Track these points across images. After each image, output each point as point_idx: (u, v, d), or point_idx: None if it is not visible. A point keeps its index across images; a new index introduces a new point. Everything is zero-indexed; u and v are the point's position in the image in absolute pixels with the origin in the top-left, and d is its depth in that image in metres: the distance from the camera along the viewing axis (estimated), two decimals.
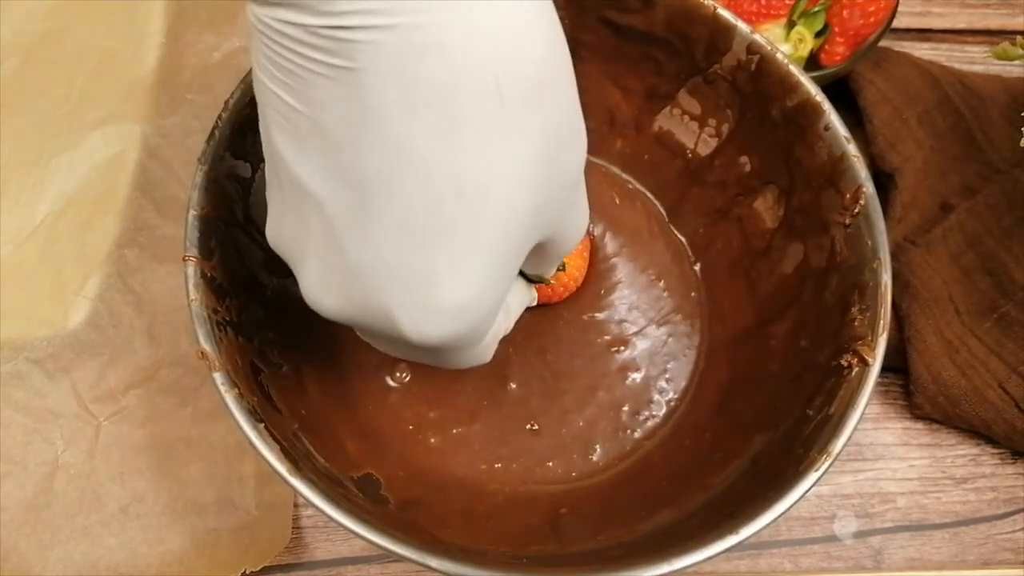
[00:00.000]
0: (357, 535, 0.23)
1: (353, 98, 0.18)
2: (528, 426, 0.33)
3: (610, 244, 0.37)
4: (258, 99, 0.21)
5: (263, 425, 0.24)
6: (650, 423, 0.34)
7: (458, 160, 0.19)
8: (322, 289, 0.21)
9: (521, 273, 0.28)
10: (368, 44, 0.18)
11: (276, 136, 0.20)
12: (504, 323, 0.27)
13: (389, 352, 0.25)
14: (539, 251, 0.24)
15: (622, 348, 0.35)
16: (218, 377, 0.25)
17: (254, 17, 0.19)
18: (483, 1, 0.18)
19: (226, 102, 0.29)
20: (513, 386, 0.34)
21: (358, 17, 0.17)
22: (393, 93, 0.18)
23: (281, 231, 0.22)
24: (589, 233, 0.36)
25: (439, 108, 0.18)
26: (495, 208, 0.20)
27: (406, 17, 0.18)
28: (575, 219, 0.24)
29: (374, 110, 0.18)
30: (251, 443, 0.24)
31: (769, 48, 0.31)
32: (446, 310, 0.20)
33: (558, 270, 0.32)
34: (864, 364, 0.27)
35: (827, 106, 0.31)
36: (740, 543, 0.24)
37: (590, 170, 0.37)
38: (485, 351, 0.25)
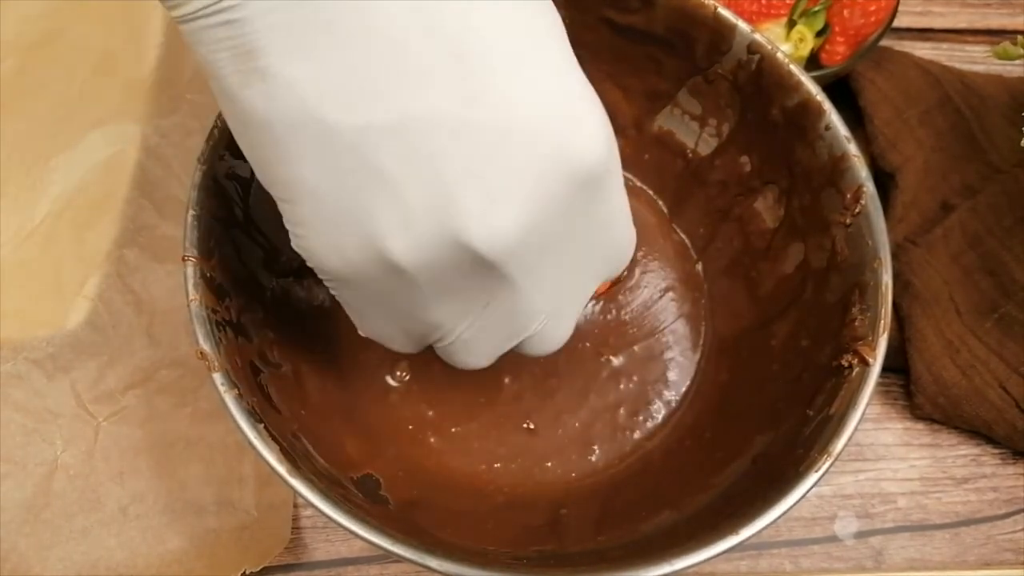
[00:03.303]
0: (357, 535, 0.23)
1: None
2: (525, 425, 0.33)
3: None
4: (287, 115, 0.18)
5: (262, 425, 0.24)
6: (649, 424, 0.34)
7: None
8: (493, 208, 0.19)
9: None
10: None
11: (347, 111, 0.18)
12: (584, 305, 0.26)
13: (468, 322, 0.23)
14: None
15: (611, 356, 0.35)
16: (217, 377, 0.25)
17: (188, 39, 0.18)
18: None
19: None
20: (507, 380, 0.34)
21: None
22: None
23: (414, 215, 0.19)
24: None
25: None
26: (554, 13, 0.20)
27: None
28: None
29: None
30: (250, 443, 0.24)
31: (770, 48, 0.31)
32: (593, 110, 0.20)
33: None
34: (865, 364, 0.27)
35: (828, 106, 0.30)
36: (740, 543, 0.24)
37: None
38: (567, 329, 0.25)
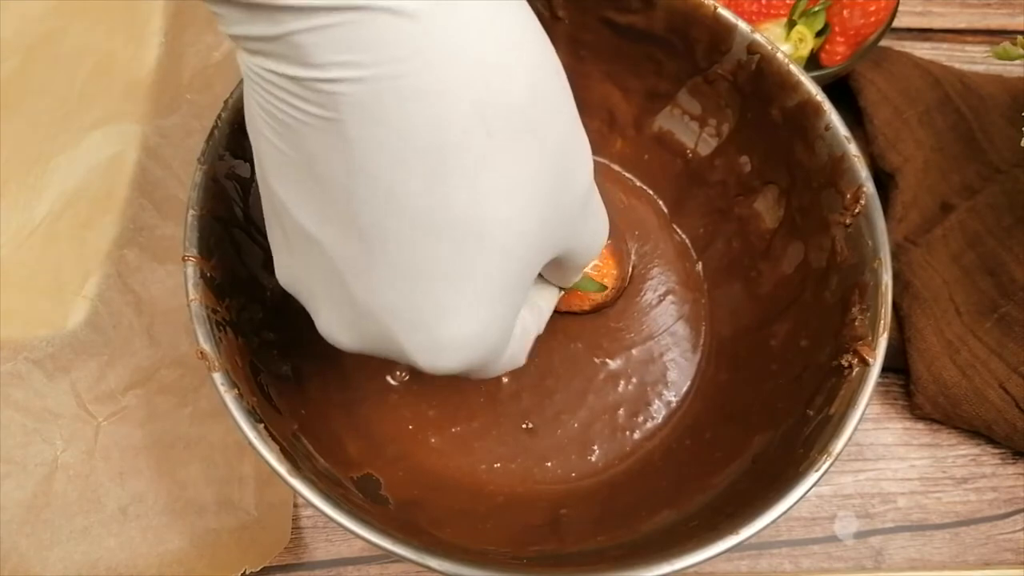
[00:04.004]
0: (357, 535, 0.23)
1: (341, 150, 0.18)
2: (524, 425, 0.33)
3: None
4: (252, 142, 0.21)
5: (263, 425, 0.24)
6: (649, 424, 0.34)
7: (450, 205, 0.19)
8: (335, 328, 0.22)
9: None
10: (350, 96, 0.18)
11: (274, 181, 0.20)
12: (535, 325, 0.27)
13: None
14: (557, 264, 0.24)
15: (607, 359, 0.35)
16: (218, 377, 0.25)
17: (244, 65, 0.19)
18: (456, 37, 0.18)
19: (226, 101, 0.29)
20: (505, 380, 0.34)
21: (339, 69, 0.17)
22: (378, 144, 0.18)
23: (290, 271, 0.22)
24: (624, 250, 0.36)
25: (425, 155, 0.18)
26: (492, 245, 0.20)
27: (385, 67, 0.17)
28: (590, 229, 0.24)
29: (362, 162, 0.18)
30: (251, 443, 0.24)
31: (769, 48, 0.31)
32: (455, 344, 0.21)
33: (596, 289, 0.33)
34: (865, 364, 0.27)
35: (828, 106, 0.30)
36: (740, 543, 0.24)
37: (596, 168, 0.38)
38: (514, 359, 0.25)
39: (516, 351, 0.25)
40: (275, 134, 0.19)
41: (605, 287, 0.33)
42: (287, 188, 0.20)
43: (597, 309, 0.35)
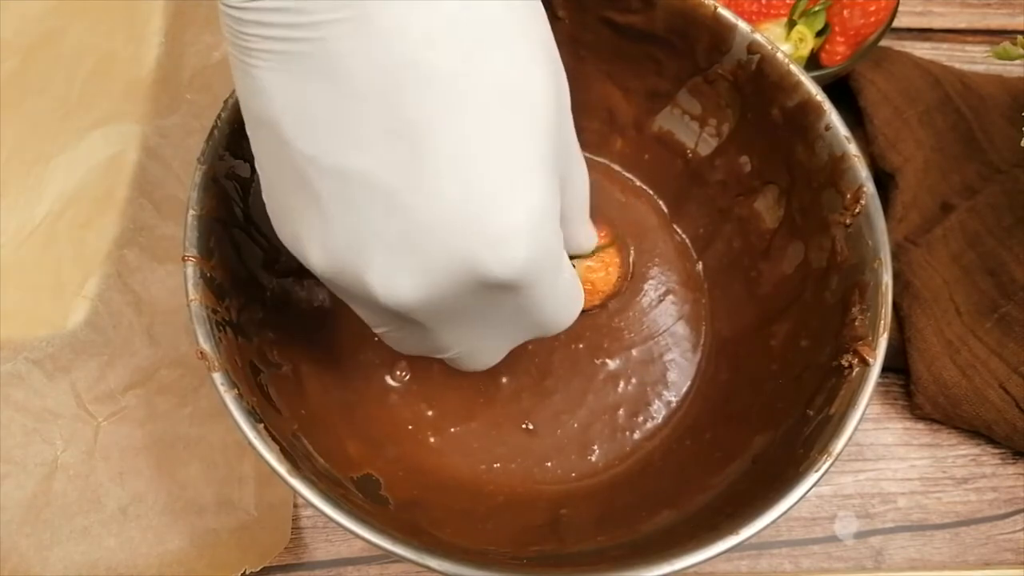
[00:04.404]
0: (357, 535, 0.23)
1: (377, 44, 0.18)
2: (523, 425, 0.33)
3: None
4: (253, 122, 0.20)
5: (262, 425, 0.24)
6: (649, 424, 0.34)
7: (495, 68, 0.19)
8: (397, 274, 0.20)
9: None
10: None
11: (296, 138, 0.19)
12: (576, 285, 0.26)
13: (478, 336, 0.24)
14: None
15: (606, 359, 0.35)
16: (217, 377, 0.25)
17: (234, 10, 0.18)
18: None
19: (225, 101, 0.29)
20: (504, 380, 0.34)
21: None
22: (413, 23, 0.18)
23: (332, 243, 0.20)
24: (625, 243, 0.36)
25: (461, 25, 0.18)
26: (534, 105, 0.20)
27: None
28: (577, 160, 0.24)
29: (400, 48, 0.18)
30: (250, 443, 0.24)
31: (770, 48, 0.31)
32: (521, 225, 0.19)
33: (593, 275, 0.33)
34: (865, 364, 0.27)
35: (828, 106, 0.30)
36: (740, 543, 0.24)
37: (593, 167, 0.38)
38: (571, 289, 0.24)
39: (572, 282, 0.24)
40: (287, 76, 0.18)
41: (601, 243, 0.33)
42: (313, 134, 0.19)
43: (604, 303, 0.35)
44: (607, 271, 0.33)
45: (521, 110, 0.20)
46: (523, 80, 0.20)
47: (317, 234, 0.20)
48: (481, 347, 0.25)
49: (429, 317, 0.22)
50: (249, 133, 0.22)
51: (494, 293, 0.21)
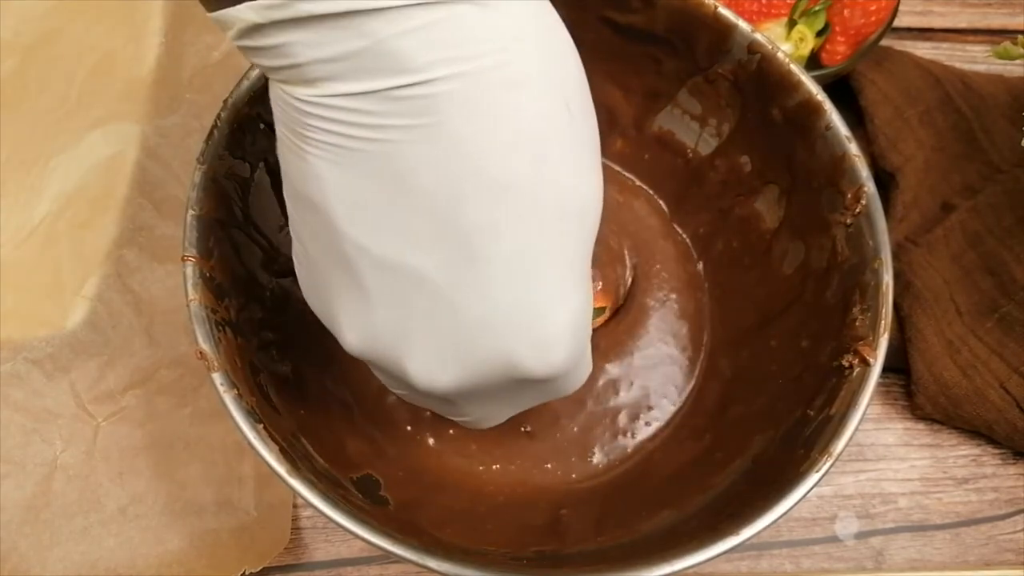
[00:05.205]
0: (356, 536, 0.23)
1: (447, 152, 0.18)
2: (522, 428, 0.33)
3: (617, 244, 0.37)
4: (298, 202, 0.20)
5: (262, 426, 0.24)
6: (650, 425, 0.34)
7: (556, 179, 0.19)
8: (437, 365, 0.21)
9: None
10: (455, 92, 0.17)
11: (347, 226, 0.19)
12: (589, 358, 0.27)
13: (495, 409, 0.25)
14: None
15: (605, 364, 0.35)
16: (217, 377, 0.24)
17: (297, 101, 0.18)
18: (536, 26, 0.19)
19: (225, 101, 0.29)
20: None
21: (442, 67, 0.17)
22: (487, 135, 0.18)
23: (372, 330, 0.21)
24: (613, 276, 0.36)
25: (531, 138, 0.19)
26: (585, 214, 0.20)
27: (486, 59, 0.17)
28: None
29: (471, 157, 0.18)
30: (250, 444, 0.24)
31: (770, 47, 0.31)
32: (565, 331, 0.20)
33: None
34: (865, 364, 0.27)
35: (828, 105, 0.30)
36: (741, 544, 0.24)
37: None
38: (588, 361, 0.25)
39: (589, 359, 0.25)
40: (347, 169, 0.18)
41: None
42: (367, 226, 0.19)
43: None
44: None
45: (576, 220, 0.20)
46: (579, 191, 0.20)
47: (357, 319, 0.21)
48: (496, 415, 0.26)
49: (458, 399, 0.22)
50: (289, 206, 0.22)
51: (526, 384, 0.22)
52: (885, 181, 0.40)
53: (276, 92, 0.19)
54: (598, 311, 0.34)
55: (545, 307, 0.20)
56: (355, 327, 0.21)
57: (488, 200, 0.19)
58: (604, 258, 0.36)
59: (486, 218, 0.19)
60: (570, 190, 0.20)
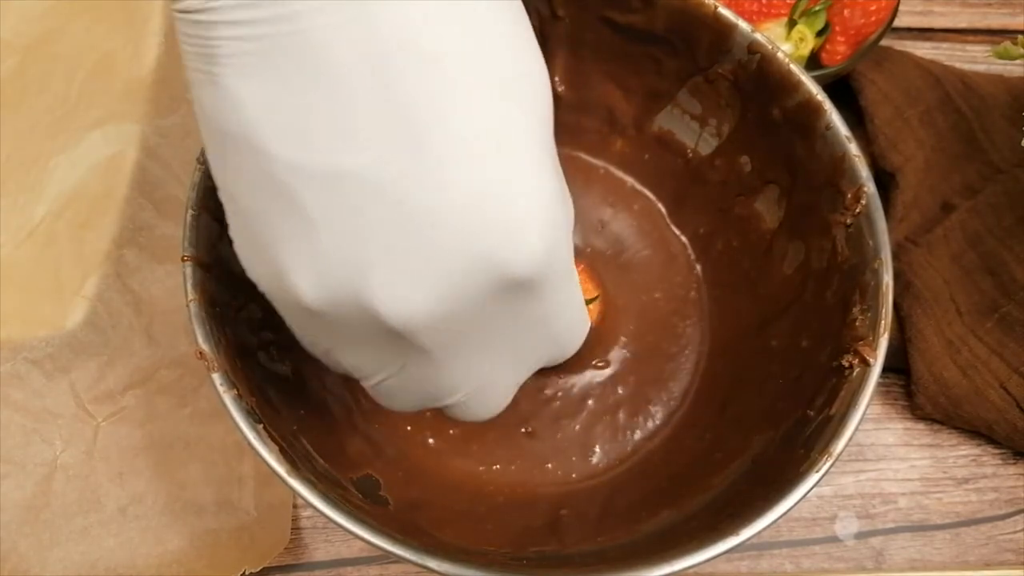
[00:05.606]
0: (356, 536, 0.23)
1: (370, 28, 0.17)
2: (523, 429, 0.33)
3: (611, 246, 0.37)
4: (229, 125, 0.18)
5: (262, 426, 0.24)
6: (650, 424, 0.34)
7: (495, 52, 0.18)
8: (406, 283, 0.18)
9: None
10: None
11: (279, 148, 0.17)
12: (583, 302, 0.25)
13: (492, 367, 0.23)
14: None
15: (607, 363, 0.35)
16: (217, 377, 0.24)
17: (200, 15, 0.17)
18: None
19: None
20: None
21: None
22: (409, 6, 0.17)
23: (325, 263, 0.18)
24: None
25: (459, 10, 0.17)
26: (536, 93, 0.19)
27: None
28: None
29: (397, 29, 0.17)
30: (250, 444, 0.24)
31: (770, 47, 0.31)
32: (540, 212, 0.18)
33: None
34: (865, 364, 0.27)
35: (828, 105, 0.30)
36: (741, 544, 0.24)
37: (589, 172, 0.38)
38: (581, 302, 0.23)
39: (581, 297, 0.23)
40: (265, 79, 0.17)
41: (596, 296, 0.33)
42: (295, 138, 0.17)
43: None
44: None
45: (524, 96, 0.19)
46: (523, 66, 0.19)
47: (305, 258, 0.18)
48: (490, 384, 0.23)
49: (438, 339, 0.20)
50: (212, 159, 0.20)
51: (510, 298, 0.19)
52: (885, 181, 0.40)
53: (181, 27, 0.18)
54: (590, 301, 0.33)
55: (510, 186, 0.18)
56: (305, 268, 0.18)
57: (421, 72, 0.17)
58: (594, 259, 0.36)
59: (422, 93, 0.17)
60: (509, 63, 0.18)
